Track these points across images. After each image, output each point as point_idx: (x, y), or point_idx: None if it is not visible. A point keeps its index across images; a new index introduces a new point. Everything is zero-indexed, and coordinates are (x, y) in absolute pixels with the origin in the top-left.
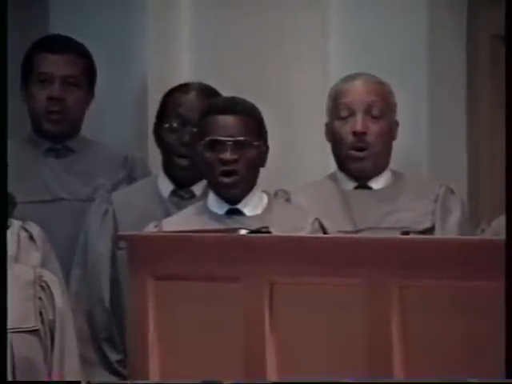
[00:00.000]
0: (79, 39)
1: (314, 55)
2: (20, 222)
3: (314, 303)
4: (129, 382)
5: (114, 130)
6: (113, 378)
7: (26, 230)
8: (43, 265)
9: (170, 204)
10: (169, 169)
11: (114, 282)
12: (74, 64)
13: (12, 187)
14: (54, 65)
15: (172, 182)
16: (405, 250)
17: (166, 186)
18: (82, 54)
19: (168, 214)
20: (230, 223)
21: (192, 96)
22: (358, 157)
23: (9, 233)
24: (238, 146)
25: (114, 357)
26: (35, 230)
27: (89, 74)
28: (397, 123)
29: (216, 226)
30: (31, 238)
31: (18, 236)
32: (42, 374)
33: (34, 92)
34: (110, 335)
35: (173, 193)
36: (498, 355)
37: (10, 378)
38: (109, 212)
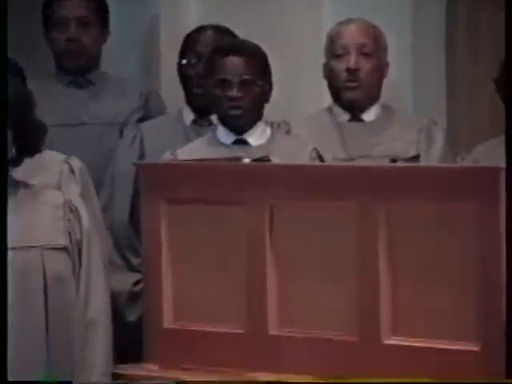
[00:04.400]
0: None
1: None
2: (64, 156)
3: (310, 224)
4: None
5: (129, 66)
6: (135, 275)
7: (69, 164)
8: (82, 195)
9: (191, 131)
10: (189, 100)
11: (135, 199)
12: (86, 5)
13: (40, 115)
14: (69, 8)
15: (193, 111)
16: (392, 176)
17: (188, 116)
18: None
19: (189, 141)
20: (237, 152)
21: (208, 34)
22: (350, 86)
23: (52, 163)
24: (243, 84)
25: (134, 260)
26: (77, 164)
27: (101, 13)
28: (387, 63)
29: (224, 154)
30: (72, 171)
31: (61, 168)
32: (70, 288)
33: (53, 35)
34: (130, 243)
35: (194, 121)
36: (472, 271)
37: (42, 296)
38: (137, 137)
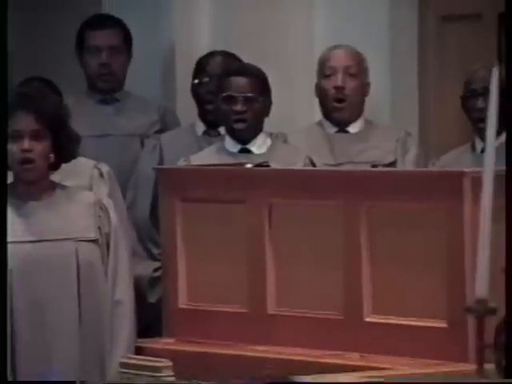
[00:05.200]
0: (120, 14)
1: (302, 30)
2: (94, 162)
3: (303, 220)
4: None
5: (149, 86)
6: (155, 263)
7: (98, 168)
8: (110, 195)
9: (202, 141)
10: (201, 114)
11: (155, 199)
12: (115, 36)
13: (73, 127)
14: (102, 38)
15: (204, 124)
16: (373, 179)
17: (199, 128)
18: (121, 27)
19: (201, 149)
20: (242, 159)
21: (217, 59)
22: (338, 107)
23: (84, 168)
24: (247, 100)
25: (154, 250)
26: (105, 168)
27: (128, 42)
28: (368, 83)
29: (231, 161)
30: (101, 174)
31: (92, 172)
32: (99, 274)
33: (87, 60)
34: (151, 236)
35: (205, 133)
36: (440, 259)
37: (75, 281)
38: (157, 146)
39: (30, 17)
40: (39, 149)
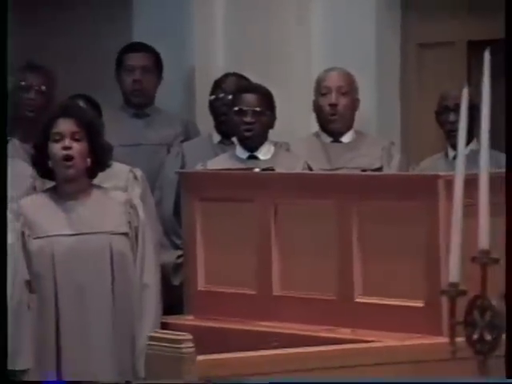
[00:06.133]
0: (149, 42)
1: (301, 56)
2: (129, 167)
3: (302, 216)
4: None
5: (174, 102)
6: (178, 252)
7: (133, 172)
8: (142, 197)
9: (217, 149)
10: (217, 126)
11: (177, 198)
12: (147, 58)
13: (108, 138)
14: (136, 59)
15: (219, 134)
16: (362, 181)
17: (215, 138)
18: (152, 52)
19: (216, 156)
20: (250, 164)
21: (231, 79)
22: (332, 119)
23: (121, 172)
24: (255, 113)
25: (177, 241)
26: (138, 173)
27: (158, 64)
28: (358, 100)
29: (241, 166)
30: (135, 178)
31: (127, 176)
32: (130, 262)
33: (123, 77)
34: (175, 229)
35: (220, 142)
36: (419, 248)
37: (109, 269)
38: (179, 154)
39: (73, 43)
40: (78, 148)
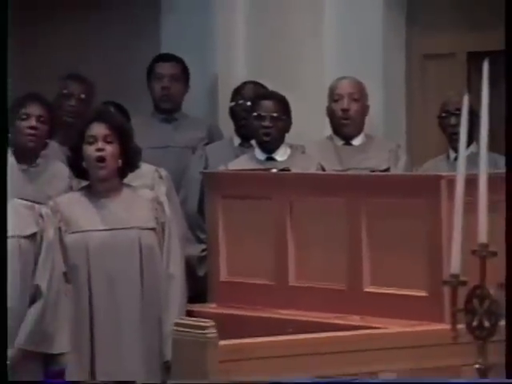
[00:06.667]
0: (177, 52)
1: (315, 65)
2: (155, 167)
3: (316, 213)
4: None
5: (199, 108)
6: (202, 246)
7: (158, 172)
8: (167, 194)
9: (238, 151)
10: (237, 130)
11: (201, 196)
12: (175, 67)
13: (138, 141)
14: (165, 68)
15: (239, 138)
16: (371, 181)
17: (236, 141)
18: (180, 63)
19: (237, 157)
20: (268, 165)
21: (249, 86)
22: (344, 124)
23: (148, 172)
24: (272, 119)
25: (201, 236)
26: (164, 172)
27: (185, 73)
28: (368, 106)
29: (260, 166)
30: (161, 177)
31: (153, 175)
32: (157, 255)
33: (153, 85)
34: (199, 224)
35: (240, 144)
36: (422, 242)
37: (138, 261)
38: (203, 155)
39: (108, 56)
40: (110, 149)
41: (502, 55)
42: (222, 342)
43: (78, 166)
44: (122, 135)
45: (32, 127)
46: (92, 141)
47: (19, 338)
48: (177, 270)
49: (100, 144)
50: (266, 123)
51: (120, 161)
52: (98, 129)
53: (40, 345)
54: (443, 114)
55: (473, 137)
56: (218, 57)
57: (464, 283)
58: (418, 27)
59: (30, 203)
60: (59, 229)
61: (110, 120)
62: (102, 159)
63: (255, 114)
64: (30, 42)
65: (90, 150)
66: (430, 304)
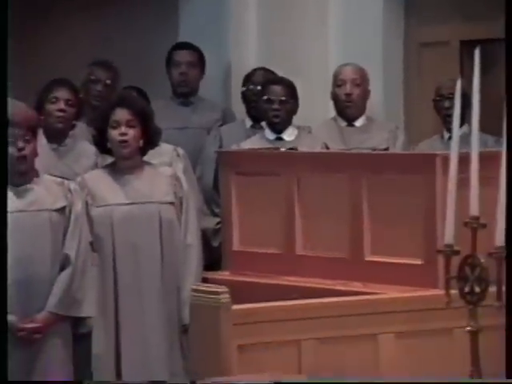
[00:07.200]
0: (194, 41)
1: (320, 52)
2: (174, 146)
3: (321, 188)
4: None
5: (214, 92)
6: (216, 219)
7: (176, 151)
8: (184, 171)
9: (250, 132)
10: (249, 112)
11: (216, 173)
12: (191, 55)
13: (158, 122)
14: (183, 55)
15: (251, 119)
16: (372, 159)
17: (248, 122)
18: (196, 51)
19: (248, 137)
20: (277, 144)
21: (260, 72)
22: (347, 106)
23: (166, 151)
24: (281, 102)
25: (216, 209)
26: (181, 151)
27: (201, 59)
28: (369, 90)
29: (269, 146)
30: (178, 155)
31: (172, 154)
32: (176, 227)
33: (172, 71)
34: (214, 199)
35: (251, 126)
36: (419, 214)
37: (158, 233)
38: (217, 136)
39: (131, 44)
40: (132, 133)
41: (492, 43)
42: (235, 307)
43: (103, 146)
44: (144, 119)
45: (61, 110)
46: (116, 125)
47: (50, 303)
48: (194, 240)
49: (123, 129)
50: (275, 106)
51: (141, 141)
52: (122, 114)
53: (69, 309)
54: (438, 98)
55: (465, 118)
56: (231, 46)
57: (457, 252)
58: (416, 18)
59: (59, 179)
60: (86, 203)
61: (133, 105)
62: (124, 142)
63: (265, 97)
64: (56, 31)
65: (114, 134)
66: (426, 272)
